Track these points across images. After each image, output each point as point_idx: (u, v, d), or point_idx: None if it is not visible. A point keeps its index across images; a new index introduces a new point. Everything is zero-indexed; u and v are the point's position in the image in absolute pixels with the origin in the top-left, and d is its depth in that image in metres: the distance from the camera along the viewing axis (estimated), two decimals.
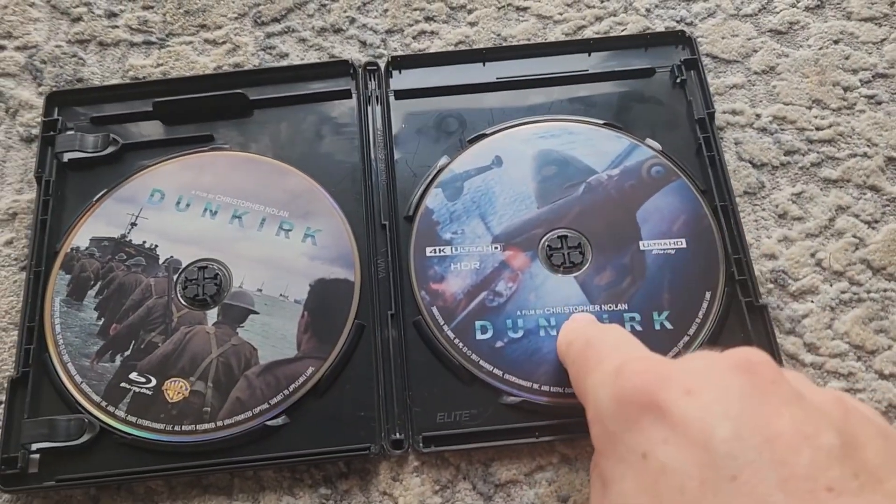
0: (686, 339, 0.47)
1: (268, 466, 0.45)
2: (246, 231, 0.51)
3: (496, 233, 0.50)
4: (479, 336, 0.47)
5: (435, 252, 0.49)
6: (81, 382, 0.46)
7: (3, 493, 0.45)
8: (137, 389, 0.46)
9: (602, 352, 0.33)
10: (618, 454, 0.28)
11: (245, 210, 0.51)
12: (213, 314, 0.48)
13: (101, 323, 0.48)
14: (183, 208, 0.51)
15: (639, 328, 0.47)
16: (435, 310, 0.48)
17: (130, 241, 0.50)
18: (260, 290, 0.49)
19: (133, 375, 0.46)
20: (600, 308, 0.47)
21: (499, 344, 0.47)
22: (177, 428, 0.45)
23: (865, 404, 0.28)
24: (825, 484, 0.23)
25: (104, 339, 0.47)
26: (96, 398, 0.46)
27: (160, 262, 0.50)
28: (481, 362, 0.46)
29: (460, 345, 0.47)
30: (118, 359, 0.47)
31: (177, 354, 0.47)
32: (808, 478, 0.23)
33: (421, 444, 0.45)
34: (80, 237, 0.50)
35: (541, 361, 0.46)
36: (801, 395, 0.26)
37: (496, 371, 0.46)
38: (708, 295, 0.48)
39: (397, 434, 0.45)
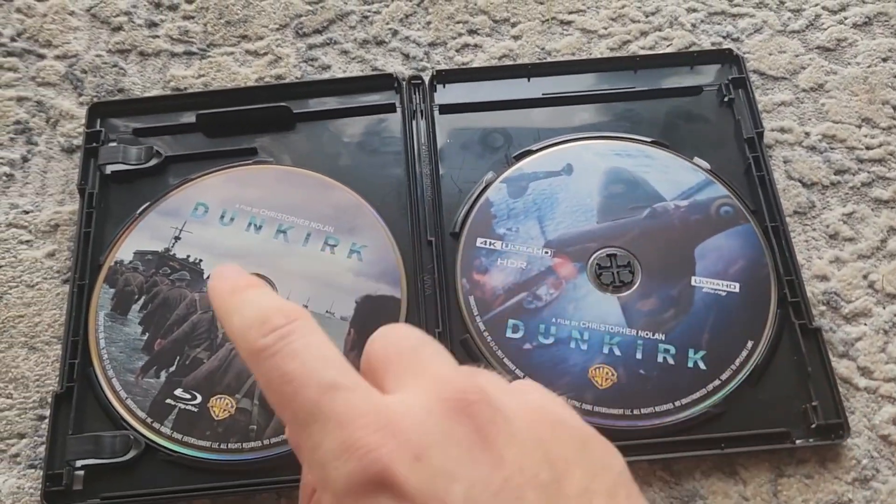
0: (717, 382, 0.46)
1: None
2: (291, 246, 0.50)
3: (550, 238, 0.50)
4: (509, 334, 0.47)
5: (485, 244, 0.49)
6: (126, 398, 0.45)
7: None
8: (183, 406, 0.46)
9: (308, 398, 0.26)
10: None
11: (290, 225, 0.51)
12: None
13: (145, 338, 0.47)
14: (227, 222, 0.51)
15: (671, 361, 0.46)
16: (472, 299, 0.48)
17: (174, 254, 0.50)
18: (306, 306, 0.48)
19: (178, 392, 0.46)
20: (637, 333, 0.47)
21: (527, 346, 0.47)
22: (223, 446, 0.44)
23: (555, 398, 0.27)
24: None
25: (149, 354, 0.47)
26: (141, 414, 0.45)
27: (204, 276, 0.49)
28: (505, 360, 0.46)
29: (489, 339, 0.47)
30: (163, 375, 0.46)
31: (222, 371, 0.46)
32: None
33: None
34: (124, 250, 0.50)
35: (565, 372, 0.46)
36: (513, 426, 0.25)
37: (518, 372, 0.46)
38: (750, 344, 0.47)
39: None
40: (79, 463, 0.44)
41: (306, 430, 0.26)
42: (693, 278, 0.48)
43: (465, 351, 0.47)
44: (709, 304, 0.48)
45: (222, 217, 0.51)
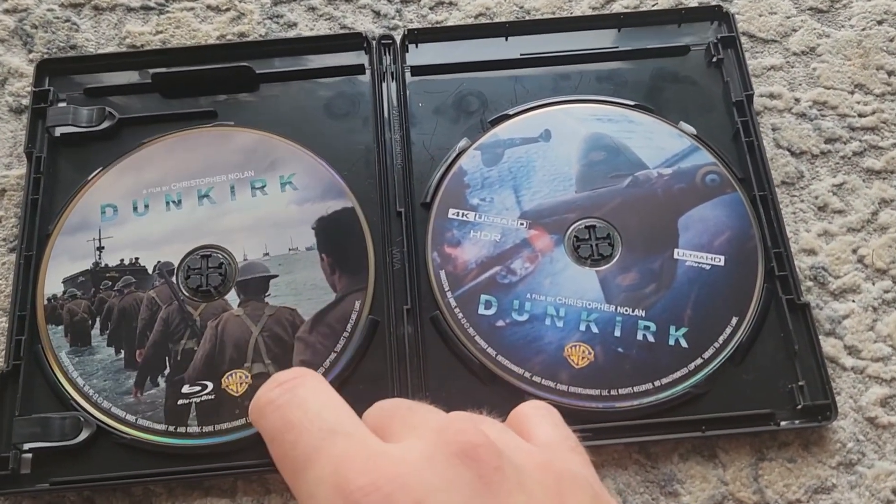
0: (699, 361, 0.43)
1: (272, 471, 0.42)
2: (221, 206, 0.48)
3: (526, 209, 0.47)
4: (481, 311, 0.44)
5: (458, 215, 0.47)
6: (137, 419, 0.42)
7: None
8: (198, 399, 0.43)
9: (308, 443, 0.27)
10: None
11: (208, 186, 0.48)
12: (232, 297, 0.45)
13: (122, 356, 0.44)
14: (143, 211, 0.48)
15: (651, 339, 0.44)
16: (443, 274, 0.45)
17: (107, 265, 0.46)
18: (267, 255, 0.46)
19: (186, 389, 0.43)
20: (615, 309, 0.44)
21: (500, 323, 0.44)
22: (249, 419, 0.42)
23: (575, 451, 0.27)
24: None
25: (135, 369, 0.44)
26: (161, 427, 0.42)
27: (150, 271, 0.46)
28: (477, 338, 0.44)
29: (460, 315, 0.44)
30: (161, 381, 0.43)
31: (219, 349, 0.44)
32: None
33: None
34: (51, 285, 0.46)
35: (539, 350, 0.44)
36: (520, 473, 0.25)
37: (490, 350, 0.43)
38: (734, 321, 0.44)
39: None
40: (26, 446, 0.42)
41: (303, 476, 0.26)
42: (676, 251, 0.46)
43: (436, 328, 0.44)
44: (692, 278, 0.45)
45: (135, 209, 0.48)
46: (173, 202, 0.48)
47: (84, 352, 0.44)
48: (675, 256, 0.46)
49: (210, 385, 0.43)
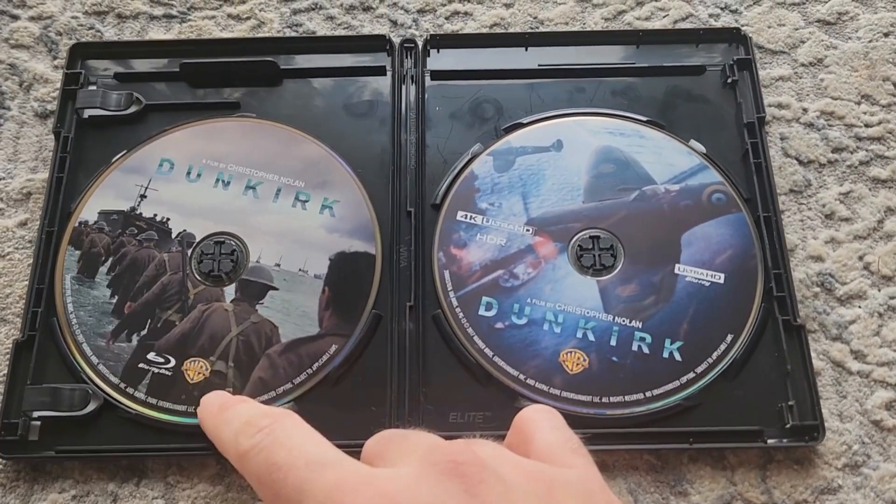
0: (692, 375, 0.44)
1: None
2: (261, 202, 0.49)
3: (532, 215, 0.48)
4: (482, 312, 0.45)
5: (466, 217, 0.47)
6: (98, 364, 0.44)
7: (0, 459, 0.43)
8: (157, 370, 0.44)
9: (297, 477, 0.28)
10: None
11: (259, 180, 0.49)
12: (230, 291, 0.46)
13: (114, 301, 0.46)
14: (194, 178, 0.49)
15: (646, 350, 0.44)
16: (447, 274, 0.46)
17: (141, 214, 0.48)
18: (278, 265, 0.47)
19: (151, 356, 0.44)
20: (613, 319, 0.45)
21: (499, 325, 0.45)
22: (189, 409, 0.43)
23: (577, 453, 0.28)
24: None
25: (119, 318, 0.45)
26: (114, 380, 0.44)
27: (173, 236, 0.47)
28: (476, 338, 0.45)
29: (460, 315, 0.45)
30: (134, 338, 0.45)
31: (195, 333, 0.45)
32: None
33: None
34: (88, 211, 0.48)
35: (535, 355, 0.44)
36: (507, 486, 0.26)
37: (487, 350, 0.44)
38: (729, 338, 0.45)
39: None
40: (35, 414, 0.43)
41: None
42: (677, 266, 0.46)
43: (436, 326, 0.45)
44: (691, 293, 0.46)
45: (189, 173, 0.49)
46: (223, 181, 0.49)
47: (86, 283, 0.46)
48: (676, 271, 0.46)
49: (172, 362, 0.44)
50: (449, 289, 0.46)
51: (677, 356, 0.44)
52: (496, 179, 0.48)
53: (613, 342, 0.44)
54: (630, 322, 0.45)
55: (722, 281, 0.46)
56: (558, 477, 0.27)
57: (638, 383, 0.44)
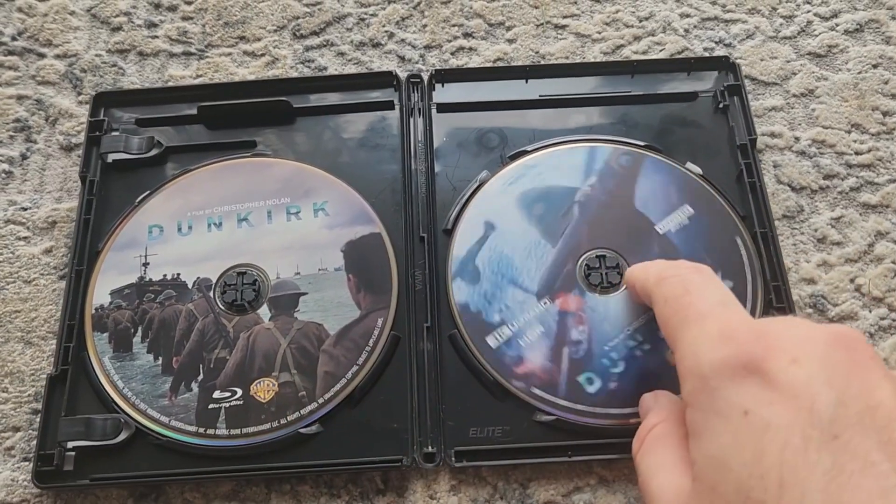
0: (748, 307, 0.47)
1: (299, 475, 0.44)
2: (257, 229, 0.51)
3: (535, 290, 0.48)
4: (587, 389, 0.45)
5: (498, 339, 0.47)
6: (170, 421, 0.45)
7: (38, 489, 0.44)
8: (228, 405, 0.45)
9: (703, 307, 0.33)
10: (715, 408, 0.29)
11: (247, 211, 0.51)
12: (264, 312, 0.48)
13: (160, 362, 0.47)
14: (186, 232, 0.51)
15: None
16: (536, 391, 0.45)
17: (150, 279, 0.49)
18: (298, 274, 0.49)
19: (217, 394, 0.46)
20: None
21: (613, 385, 0.45)
22: (282, 421, 0.45)
23: None
24: None
25: (171, 374, 0.46)
26: (192, 428, 0.45)
27: (190, 286, 0.49)
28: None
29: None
30: (194, 386, 0.46)
31: (249, 359, 0.46)
32: None
33: (453, 459, 0.44)
34: (99, 296, 0.49)
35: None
36: (886, 369, 0.28)
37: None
38: (739, 240, 0.48)
39: (430, 447, 0.44)
40: (70, 444, 0.44)
41: (689, 329, 0.32)
42: (657, 228, 0.49)
43: (453, 345, 0.47)
44: (686, 236, 0.48)
45: (179, 229, 0.51)
46: (215, 224, 0.51)
47: (125, 357, 0.47)
48: (660, 231, 0.49)
49: (239, 391, 0.46)
50: (549, 398, 0.45)
51: (729, 282, 0.47)
52: (481, 291, 0.48)
53: None
54: None
55: (693, 210, 0.49)
56: None
57: None
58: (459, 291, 0.48)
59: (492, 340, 0.47)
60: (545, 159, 0.52)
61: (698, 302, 0.33)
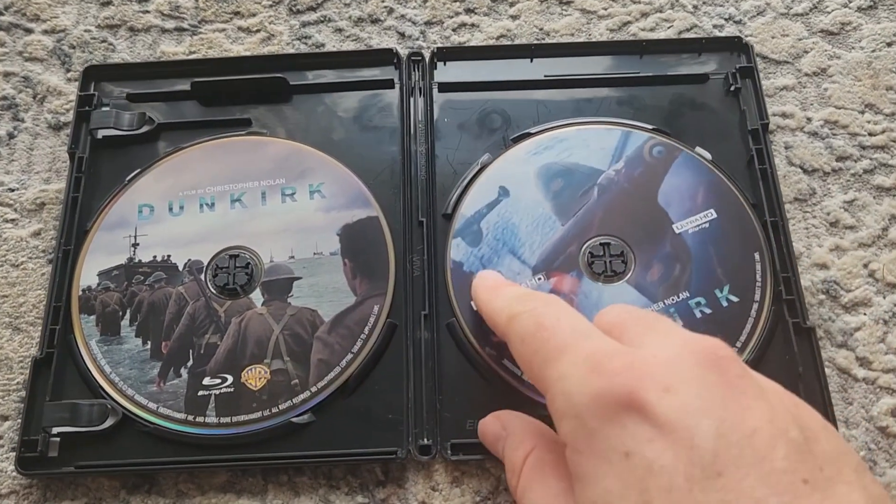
0: (755, 305, 0.45)
1: (294, 465, 0.43)
2: (251, 210, 0.49)
3: (533, 264, 0.47)
4: None
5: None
6: (158, 407, 0.43)
7: (26, 479, 0.43)
8: (218, 392, 0.44)
9: (562, 340, 0.30)
10: (596, 451, 0.27)
11: (241, 191, 0.49)
12: (257, 297, 0.46)
13: (149, 346, 0.45)
14: (177, 212, 0.49)
15: (708, 311, 0.45)
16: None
17: (140, 261, 0.48)
18: (292, 258, 0.47)
19: (207, 381, 0.44)
20: (664, 304, 0.45)
21: None
22: (273, 410, 0.43)
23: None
24: (801, 477, 0.24)
25: (160, 359, 0.45)
26: (180, 416, 0.43)
27: (180, 268, 0.47)
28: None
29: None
30: (184, 372, 0.45)
31: (241, 345, 0.45)
32: (787, 471, 0.24)
33: (449, 452, 0.43)
34: (87, 276, 0.47)
35: None
36: (763, 388, 0.27)
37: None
38: (757, 255, 0.46)
39: (425, 440, 0.43)
40: (55, 430, 0.43)
41: (554, 364, 0.30)
42: (674, 226, 0.47)
43: (451, 334, 0.45)
44: (702, 240, 0.46)
45: (171, 209, 0.49)
46: (207, 205, 0.49)
47: (113, 341, 0.46)
48: (677, 231, 0.47)
49: (230, 378, 0.44)
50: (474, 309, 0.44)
51: (733, 298, 0.45)
52: (479, 254, 0.47)
53: (679, 322, 0.44)
54: (679, 297, 0.45)
55: (715, 215, 0.47)
56: (802, 401, 0.28)
57: (728, 339, 0.44)
58: (457, 249, 0.47)
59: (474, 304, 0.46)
60: (577, 134, 0.50)
61: (555, 336, 0.31)
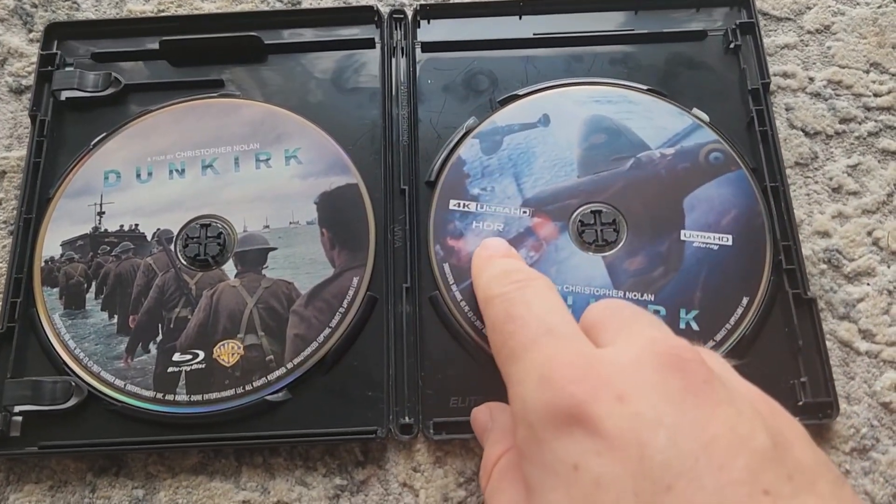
0: (712, 343, 0.42)
1: (269, 445, 0.41)
2: (224, 176, 0.46)
3: (527, 196, 0.45)
4: None
5: (459, 206, 0.45)
6: (126, 384, 0.41)
7: None
8: (188, 368, 0.42)
9: (527, 337, 0.29)
10: (545, 463, 0.26)
11: (213, 157, 0.47)
12: (230, 268, 0.44)
13: (115, 320, 0.43)
14: (146, 179, 0.46)
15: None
16: (447, 267, 0.44)
17: (106, 230, 0.45)
18: (267, 227, 0.45)
19: (177, 356, 0.42)
20: (624, 295, 0.43)
21: None
22: (247, 387, 0.41)
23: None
24: (762, 487, 0.23)
25: (127, 334, 0.43)
26: (149, 393, 0.41)
27: (149, 238, 0.45)
28: (478, 322, 0.42)
29: (466, 308, 0.43)
30: (152, 347, 0.42)
31: (213, 319, 0.43)
32: (745, 482, 0.23)
33: (432, 431, 0.41)
34: (49, 247, 0.45)
35: None
36: (731, 392, 0.26)
37: (486, 332, 0.42)
38: (745, 301, 0.43)
39: (406, 418, 0.41)
40: (17, 408, 0.41)
41: (515, 365, 0.29)
42: (682, 232, 0.44)
43: (434, 308, 0.43)
44: (700, 259, 0.43)
45: (138, 175, 0.47)
46: (177, 171, 0.47)
47: (77, 315, 0.43)
48: (683, 238, 0.44)
49: (201, 354, 0.42)
50: (451, 282, 0.43)
51: (694, 325, 0.42)
52: (485, 162, 0.46)
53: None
54: (642, 296, 0.43)
55: (730, 243, 0.44)
56: (780, 408, 0.27)
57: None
58: (469, 149, 0.46)
59: (454, 203, 0.45)
60: (648, 102, 0.48)
61: (522, 330, 0.30)
